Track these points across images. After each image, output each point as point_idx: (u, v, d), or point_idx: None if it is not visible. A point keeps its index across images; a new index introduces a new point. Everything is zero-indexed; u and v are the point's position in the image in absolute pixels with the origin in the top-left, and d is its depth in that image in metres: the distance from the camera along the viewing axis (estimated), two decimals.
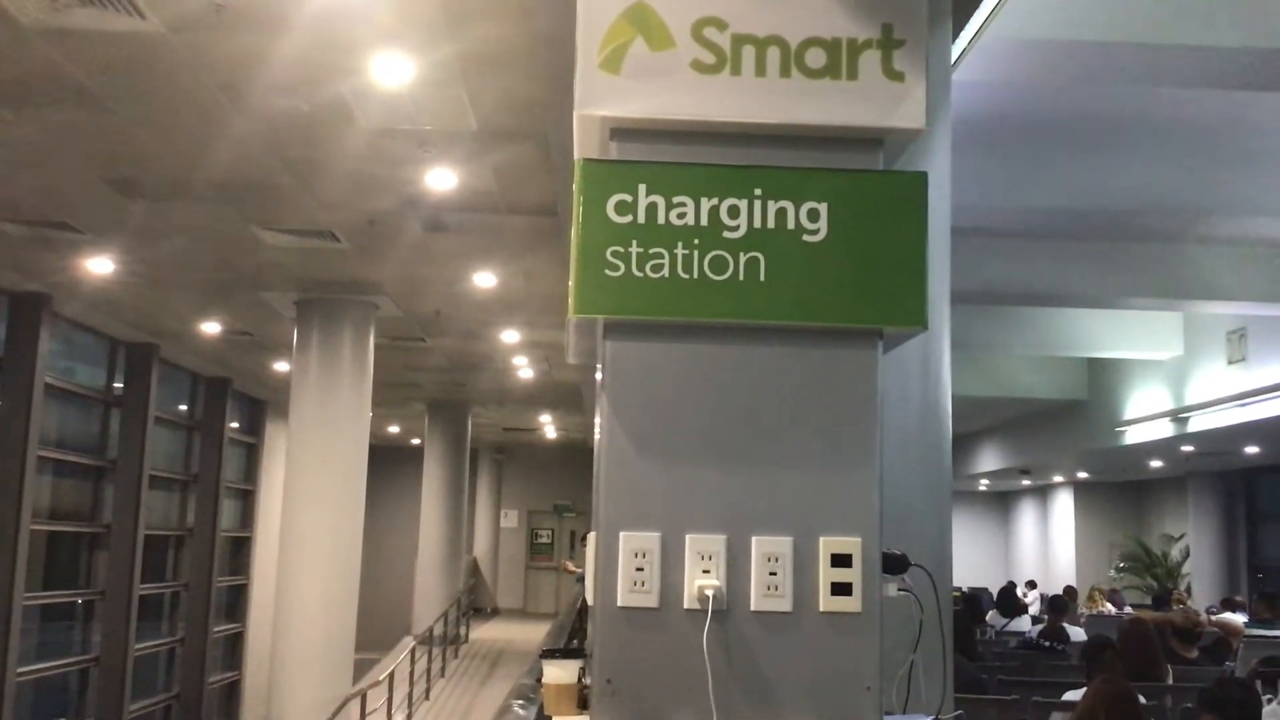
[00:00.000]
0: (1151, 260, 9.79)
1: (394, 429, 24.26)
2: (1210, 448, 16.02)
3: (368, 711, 11.13)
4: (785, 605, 2.21)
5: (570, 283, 2.28)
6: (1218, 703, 4.43)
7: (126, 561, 13.93)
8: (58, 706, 13.45)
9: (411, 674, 14.01)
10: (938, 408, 3.67)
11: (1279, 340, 11.68)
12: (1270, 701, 5.45)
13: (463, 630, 20.33)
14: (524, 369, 16.29)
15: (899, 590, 2.34)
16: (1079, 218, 8.06)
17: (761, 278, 2.26)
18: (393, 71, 6.19)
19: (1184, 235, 9.00)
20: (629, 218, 2.26)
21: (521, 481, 28.52)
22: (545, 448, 27.67)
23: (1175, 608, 11.04)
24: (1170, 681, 6.62)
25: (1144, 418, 14.80)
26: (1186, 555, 20.89)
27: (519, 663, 15.23)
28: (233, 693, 18.36)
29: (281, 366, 15.14)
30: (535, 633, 18.60)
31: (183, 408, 16.76)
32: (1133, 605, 15.56)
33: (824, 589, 2.22)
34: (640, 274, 2.25)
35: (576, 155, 2.40)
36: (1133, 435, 15.45)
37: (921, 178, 2.33)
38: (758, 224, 2.27)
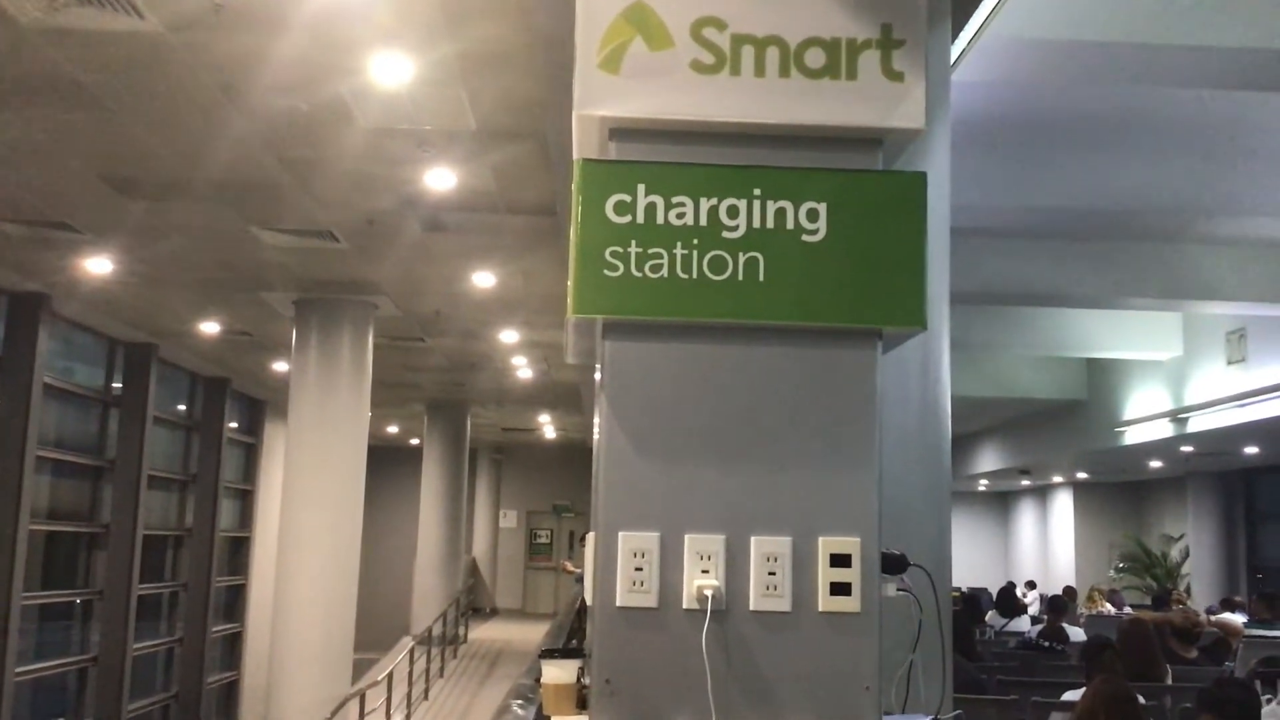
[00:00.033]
0: (1151, 260, 9.79)
1: (393, 429, 24.26)
2: (1210, 448, 16.02)
3: (366, 711, 11.13)
4: (784, 605, 2.21)
5: (569, 283, 2.28)
6: (1217, 703, 4.43)
7: (125, 561, 13.93)
8: (56, 706, 13.45)
9: (410, 674, 14.00)
10: (937, 408, 3.67)
11: (1278, 340, 11.68)
12: (1269, 702, 5.45)
13: (461, 630, 20.32)
14: (523, 369, 16.29)
15: (898, 590, 2.33)
16: (1078, 218, 8.05)
17: (760, 278, 2.26)
18: (392, 71, 6.19)
19: (1183, 235, 9.01)
20: (628, 218, 2.26)
21: (520, 481, 28.52)
22: (544, 448, 27.66)
23: (1175, 608, 11.03)
24: (1169, 682, 6.62)
25: (1143, 418, 14.80)
26: (1186, 555, 20.90)
27: (518, 663, 15.22)
28: (231, 693, 18.36)
29: (280, 366, 15.14)
30: (534, 633, 18.60)
31: (181, 408, 16.75)
32: (1132, 605, 15.56)
33: (823, 589, 2.21)
34: (639, 274, 2.25)
35: (575, 155, 2.40)
36: (1132, 435, 15.45)
37: (921, 178, 2.33)
38: (757, 224, 2.27)
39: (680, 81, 2.30)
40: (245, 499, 19.17)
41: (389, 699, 12.21)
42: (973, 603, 11.83)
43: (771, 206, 2.28)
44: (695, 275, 2.25)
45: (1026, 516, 28.34)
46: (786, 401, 2.27)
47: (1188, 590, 18.88)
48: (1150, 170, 7.67)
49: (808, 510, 2.24)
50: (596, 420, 2.41)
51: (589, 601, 2.33)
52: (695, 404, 2.27)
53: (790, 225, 2.27)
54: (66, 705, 13.52)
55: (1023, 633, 10.91)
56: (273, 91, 6.50)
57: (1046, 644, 9.20)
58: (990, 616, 12.24)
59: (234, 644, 18.48)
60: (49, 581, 13.09)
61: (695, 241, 2.26)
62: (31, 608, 12.21)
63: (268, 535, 17.27)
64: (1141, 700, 4.78)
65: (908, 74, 2.31)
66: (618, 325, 2.28)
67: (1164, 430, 14.49)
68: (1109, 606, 15.20)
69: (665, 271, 2.25)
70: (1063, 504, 25.86)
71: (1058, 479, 25.01)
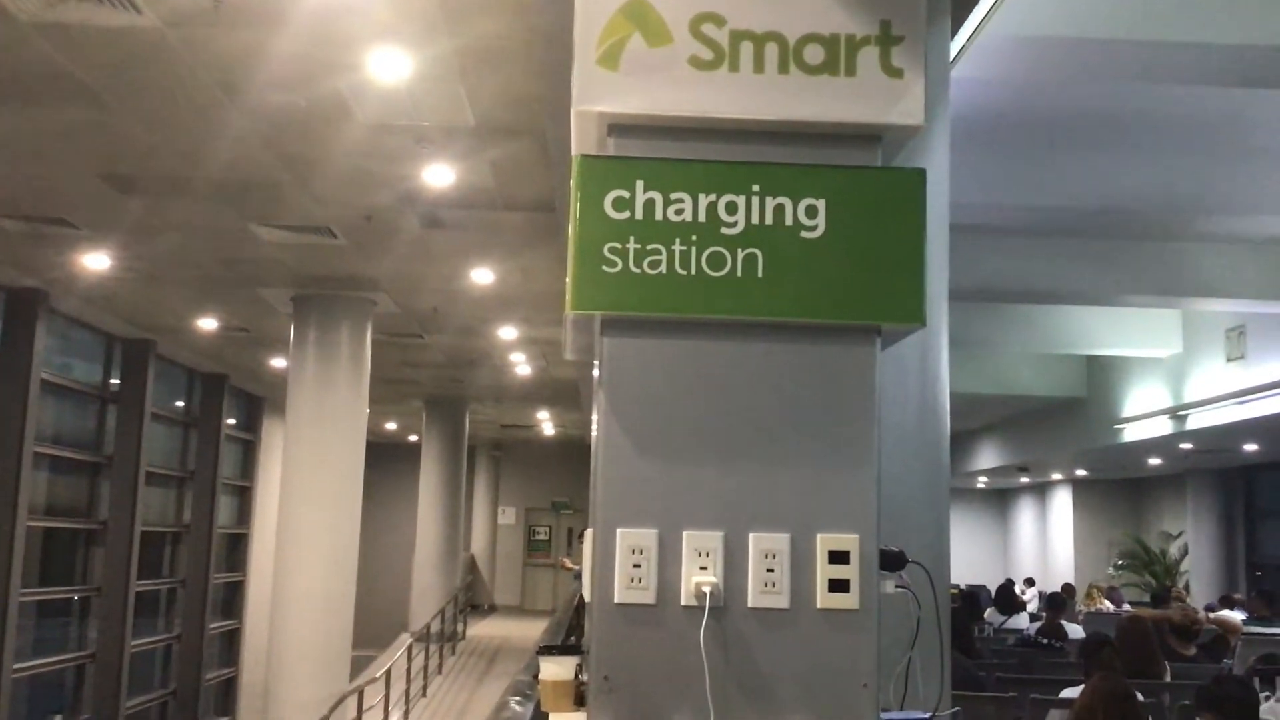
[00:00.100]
0: (1150, 258, 9.79)
1: (391, 425, 24.26)
2: (1209, 445, 16.02)
3: (364, 708, 11.13)
4: (783, 602, 2.21)
5: (568, 279, 2.28)
6: (1215, 700, 4.43)
7: (123, 558, 13.91)
8: (54, 703, 13.44)
9: (408, 671, 14.01)
10: (936, 405, 3.67)
11: (1278, 337, 11.68)
12: (1268, 699, 5.46)
13: (460, 627, 20.33)
14: (521, 365, 16.28)
15: (896, 587, 2.33)
16: (1078, 215, 8.05)
17: (759, 274, 2.25)
18: (390, 67, 6.18)
19: (1183, 233, 9.01)
20: (626, 214, 2.26)
21: (519, 478, 28.53)
22: (543, 444, 27.67)
23: (1173, 605, 11.03)
24: (1168, 679, 6.63)
25: (1143, 415, 14.81)
26: (1185, 553, 20.91)
27: (516, 659, 15.24)
28: (229, 689, 18.36)
29: (279, 363, 15.12)
30: (532, 630, 18.60)
31: (179, 404, 16.74)
32: (1131, 603, 15.59)
33: (821, 586, 2.21)
34: (638, 270, 2.24)
35: (574, 151, 2.39)
36: (1131, 433, 15.46)
37: (920, 174, 2.33)
38: (755, 220, 2.27)
39: (679, 77, 2.30)
40: (243, 495, 19.17)
41: (387, 695, 12.23)
42: (971, 600, 11.87)
43: (770, 203, 2.27)
44: (694, 271, 2.25)
45: (1025, 514, 28.36)
46: (785, 398, 2.27)
47: (1186, 587, 18.88)
48: (1150, 168, 7.68)
49: (806, 507, 2.23)
50: (595, 417, 2.41)
51: (587, 598, 2.33)
52: (694, 400, 2.26)
53: (789, 221, 2.27)
54: (64, 702, 13.51)
55: (1021, 630, 10.93)
56: (271, 87, 6.49)
57: (1045, 641, 9.20)
58: (989, 614, 12.26)
59: (232, 640, 18.48)
60: (47, 578, 13.08)
61: (694, 238, 2.25)
62: (29, 604, 12.21)
63: (266, 532, 17.26)
64: (1140, 698, 4.79)
65: (907, 70, 2.31)
66: (616, 321, 2.28)
67: (1163, 427, 14.49)
68: (1108, 604, 15.22)
69: (664, 268, 2.24)
70: (1062, 501, 25.87)
71: (1057, 476, 25.01)
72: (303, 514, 11.33)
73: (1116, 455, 18.39)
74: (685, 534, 2.22)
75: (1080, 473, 23.66)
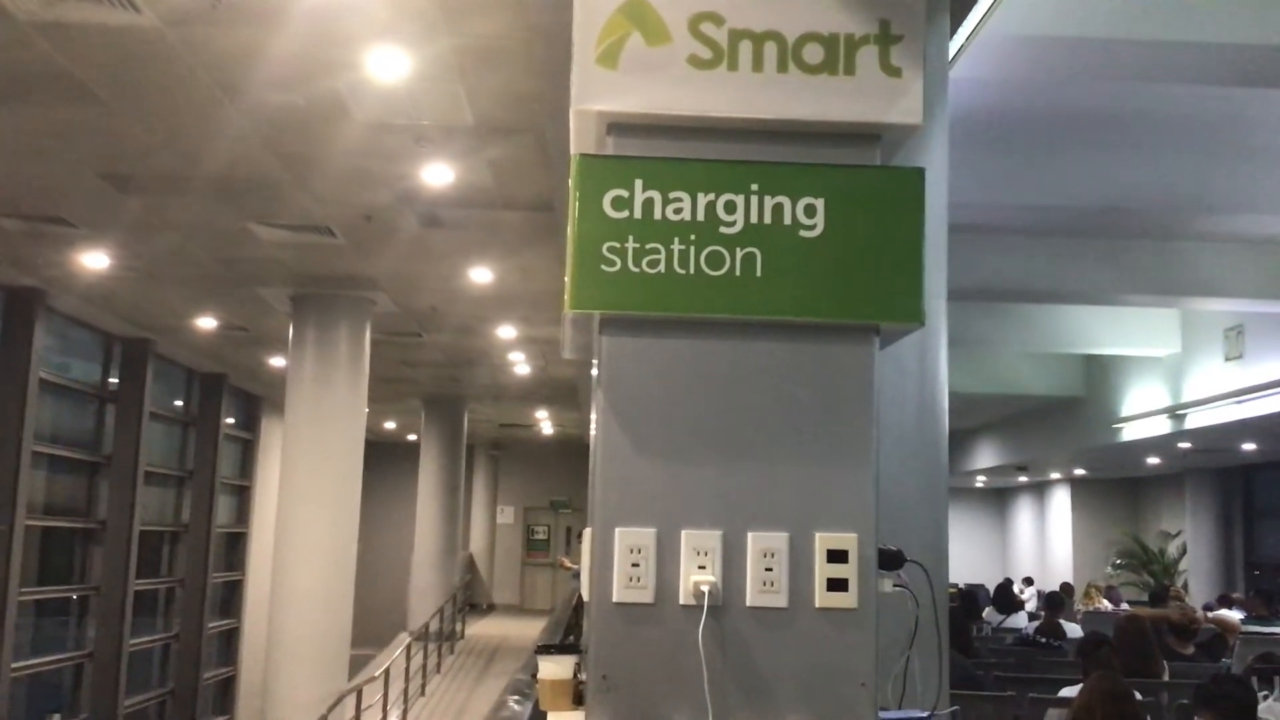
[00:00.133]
0: (1149, 257, 9.79)
1: (390, 425, 24.25)
2: (1207, 444, 16.03)
3: (363, 707, 11.14)
4: (781, 601, 2.21)
5: (566, 278, 2.28)
6: (1214, 699, 4.43)
7: (121, 557, 13.91)
8: (52, 702, 13.43)
9: (407, 670, 14.00)
10: (934, 404, 3.67)
11: (1276, 337, 11.69)
12: (1266, 698, 5.46)
13: (458, 626, 20.32)
14: (520, 365, 16.28)
15: (895, 586, 2.33)
16: (1076, 214, 8.05)
17: (758, 273, 2.25)
18: (389, 66, 6.18)
19: (1182, 232, 9.01)
20: (625, 213, 2.26)
21: (518, 477, 28.52)
22: (542, 444, 27.66)
23: (1172, 604, 11.04)
24: (1166, 678, 6.63)
25: (1141, 414, 14.81)
26: (1183, 552, 20.93)
27: (515, 658, 15.23)
28: (228, 688, 18.35)
29: (277, 362, 15.11)
30: (531, 629, 18.61)
31: (178, 403, 16.73)
32: (1129, 602, 15.58)
33: (820, 585, 2.21)
34: (636, 269, 2.24)
35: (573, 150, 2.39)
36: (1130, 432, 15.46)
37: (918, 173, 2.33)
38: (754, 219, 2.27)
39: (678, 76, 2.30)
40: (242, 495, 19.17)
41: (386, 695, 12.24)
42: (970, 599, 11.87)
43: (769, 202, 2.27)
44: (692, 270, 2.25)
45: (1024, 513, 28.37)
46: (783, 397, 2.27)
47: (1185, 587, 18.89)
48: (1148, 167, 7.67)
49: (805, 506, 2.24)
50: (593, 416, 2.41)
51: (586, 597, 2.33)
52: (692, 399, 2.26)
53: (788, 221, 2.27)
54: (63, 701, 13.50)
55: (1020, 629, 10.93)
56: (270, 87, 6.48)
57: (1043, 640, 9.20)
58: (987, 613, 12.26)
59: (230, 640, 18.47)
60: (45, 577, 13.07)
61: (692, 237, 2.26)
62: (28, 603, 12.20)
63: (264, 531, 17.26)
64: (1138, 697, 4.79)
65: (906, 70, 2.31)
66: (615, 321, 2.28)
67: (1162, 427, 14.50)
68: (1106, 603, 15.22)
69: (662, 267, 2.25)
70: (1060, 500, 25.88)
71: (1055, 475, 25.02)
72: (301, 513, 11.33)
73: (1115, 454, 18.40)
74: (684, 533, 2.22)
75: (1079, 472, 23.68)
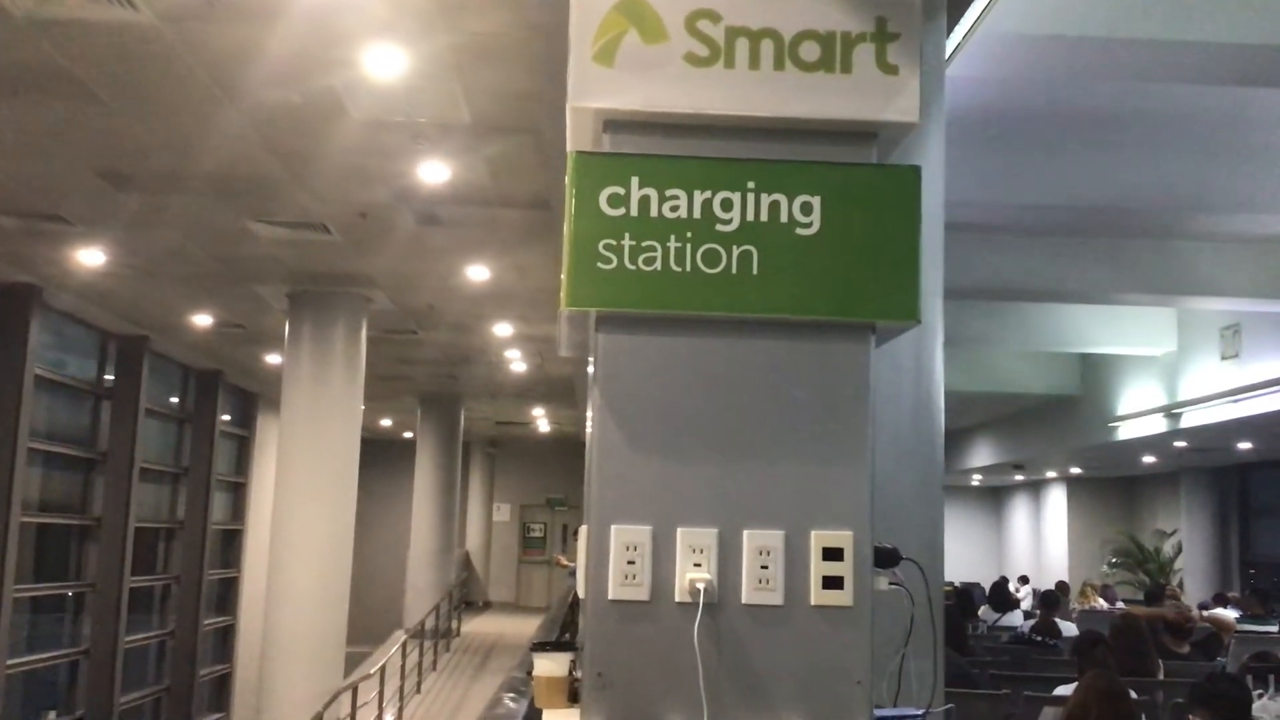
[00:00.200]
0: (1145, 256, 9.80)
1: (386, 422, 24.23)
2: (1203, 443, 16.05)
3: (359, 705, 11.12)
4: (776, 599, 2.21)
5: (563, 275, 2.28)
6: (1209, 698, 4.44)
7: (117, 554, 13.90)
8: (48, 699, 13.43)
9: (403, 667, 13.99)
10: (930, 402, 3.67)
11: (1272, 336, 11.70)
12: (1261, 697, 5.46)
13: (454, 624, 20.31)
14: (516, 362, 16.28)
15: (890, 584, 2.33)
16: (1073, 213, 8.06)
17: (754, 271, 2.25)
18: (385, 63, 6.17)
19: (1178, 231, 9.02)
20: (621, 210, 2.26)
21: (514, 475, 28.51)
22: (538, 441, 27.65)
23: (1167, 603, 11.05)
24: (1161, 677, 6.64)
25: (1137, 413, 14.82)
26: (1179, 551, 20.95)
27: (510, 656, 15.22)
28: (223, 685, 18.34)
29: (273, 359, 15.11)
30: (527, 626, 18.60)
31: (174, 400, 16.72)
32: (1125, 601, 15.60)
33: (815, 583, 2.22)
34: (633, 267, 2.24)
35: (569, 148, 2.39)
36: (1126, 431, 15.48)
37: (915, 172, 2.33)
38: (750, 217, 2.27)
39: (674, 74, 2.30)
40: (238, 492, 19.15)
41: (381, 692, 12.22)
42: (965, 597, 11.87)
43: (765, 200, 2.27)
44: (689, 268, 2.25)
45: (1019, 511, 28.40)
46: (779, 395, 2.27)
47: (1180, 585, 18.91)
48: (1145, 166, 7.68)
49: (800, 504, 2.24)
50: (590, 413, 2.41)
51: (581, 595, 2.33)
52: (688, 397, 2.26)
53: (784, 219, 2.27)
54: (58, 698, 13.50)
55: (1015, 627, 10.94)
56: (266, 84, 6.47)
57: (1039, 639, 9.21)
58: (983, 611, 12.28)
59: (226, 637, 18.46)
60: (41, 574, 13.07)
61: (689, 234, 2.26)
62: (23, 600, 12.19)
63: (260, 528, 17.25)
64: (1133, 695, 4.79)
65: (902, 68, 2.31)
66: (611, 318, 2.28)
67: (1157, 425, 14.52)
68: (1101, 602, 15.23)
69: (659, 264, 2.25)
70: (1056, 499, 25.91)
71: (1051, 474, 25.05)
72: (297, 510, 11.32)
73: (1111, 453, 18.42)
74: (679, 531, 2.22)
75: (1075, 470, 23.70)
